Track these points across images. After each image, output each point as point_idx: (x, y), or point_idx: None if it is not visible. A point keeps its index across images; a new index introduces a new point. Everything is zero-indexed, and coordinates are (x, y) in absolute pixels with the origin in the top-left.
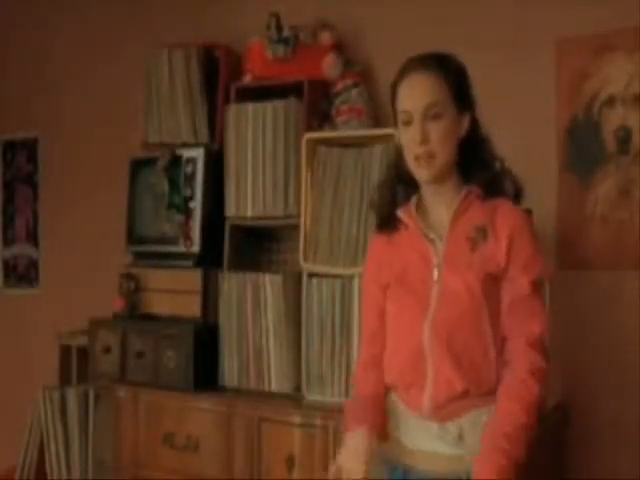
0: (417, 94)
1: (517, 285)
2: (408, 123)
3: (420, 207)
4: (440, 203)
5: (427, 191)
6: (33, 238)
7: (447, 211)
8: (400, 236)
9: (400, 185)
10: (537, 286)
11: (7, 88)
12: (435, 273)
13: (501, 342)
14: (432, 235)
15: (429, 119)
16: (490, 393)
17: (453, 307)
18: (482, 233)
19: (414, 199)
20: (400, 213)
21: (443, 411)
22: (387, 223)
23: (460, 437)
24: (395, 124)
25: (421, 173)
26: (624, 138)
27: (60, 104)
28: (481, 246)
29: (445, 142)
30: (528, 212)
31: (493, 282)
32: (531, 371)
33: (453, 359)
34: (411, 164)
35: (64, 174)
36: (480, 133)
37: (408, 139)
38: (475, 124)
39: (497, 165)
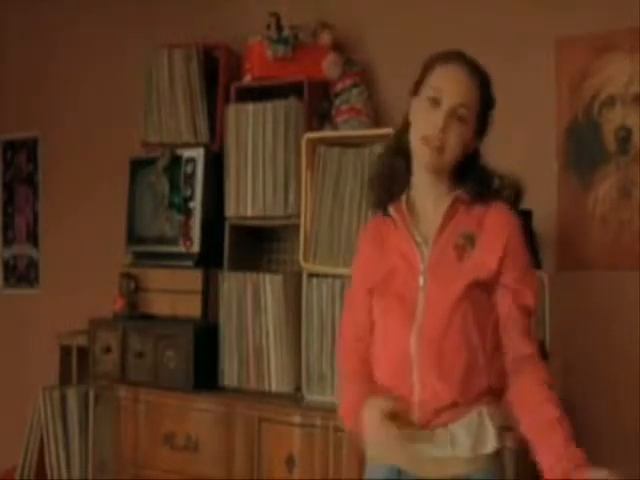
0: (459, 86)
1: (520, 296)
2: (435, 102)
3: (409, 202)
4: (430, 202)
5: (420, 185)
6: (33, 238)
7: (435, 212)
8: (389, 230)
9: (399, 159)
10: (537, 295)
11: (7, 88)
12: (421, 280)
13: (497, 349)
14: (419, 238)
15: (455, 117)
16: (480, 397)
17: (440, 317)
18: (470, 240)
19: (404, 196)
20: (391, 210)
21: (433, 422)
22: (385, 208)
23: (452, 442)
24: (414, 93)
25: (426, 154)
26: (624, 138)
27: (60, 104)
28: (469, 253)
29: (458, 145)
30: (528, 213)
31: (482, 288)
32: (548, 382)
33: (440, 370)
34: (417, 141)
35: (64, 174)
36: (480, 162)
37: (428, 118)
38: (477, 153)
39: (496, 182)
